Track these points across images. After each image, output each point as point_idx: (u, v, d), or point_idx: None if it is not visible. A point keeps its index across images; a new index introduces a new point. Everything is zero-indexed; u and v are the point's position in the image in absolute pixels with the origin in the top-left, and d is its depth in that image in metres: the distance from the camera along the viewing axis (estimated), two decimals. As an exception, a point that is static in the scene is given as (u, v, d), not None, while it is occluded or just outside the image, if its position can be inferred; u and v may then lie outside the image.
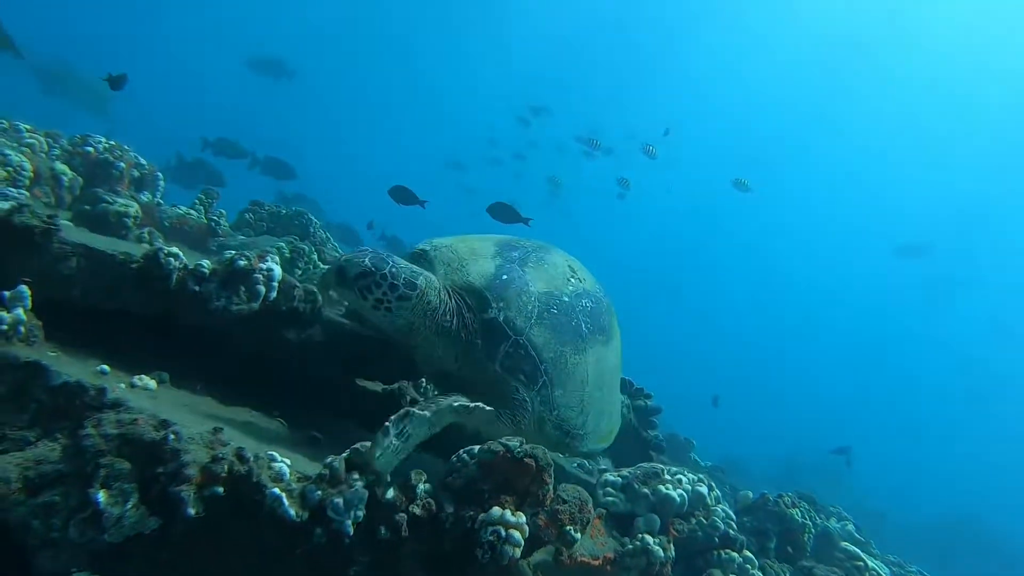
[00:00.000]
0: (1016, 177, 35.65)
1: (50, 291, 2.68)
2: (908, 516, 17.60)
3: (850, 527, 6.63)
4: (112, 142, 5.27)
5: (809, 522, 4.74)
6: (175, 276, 2.88)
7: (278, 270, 3.13)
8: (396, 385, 3.82)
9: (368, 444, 2.49)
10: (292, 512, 2.32)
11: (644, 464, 3.48)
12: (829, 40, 35.34)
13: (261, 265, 3.06)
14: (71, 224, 3.59)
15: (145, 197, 5.55)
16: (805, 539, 4.70)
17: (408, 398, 3.80)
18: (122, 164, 5.19)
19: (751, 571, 3.33)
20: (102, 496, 2.03)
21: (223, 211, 6.30)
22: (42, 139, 5.05)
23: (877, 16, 33.96)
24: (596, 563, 2.91)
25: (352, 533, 2.37)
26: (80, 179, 4.61)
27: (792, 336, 38.33)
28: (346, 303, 3.70)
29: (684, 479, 3.36)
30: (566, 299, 3.52)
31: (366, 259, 3.03)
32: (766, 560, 4.03)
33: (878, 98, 37.53)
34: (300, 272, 5.04)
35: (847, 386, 33.97)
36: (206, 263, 2.97)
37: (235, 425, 2.83)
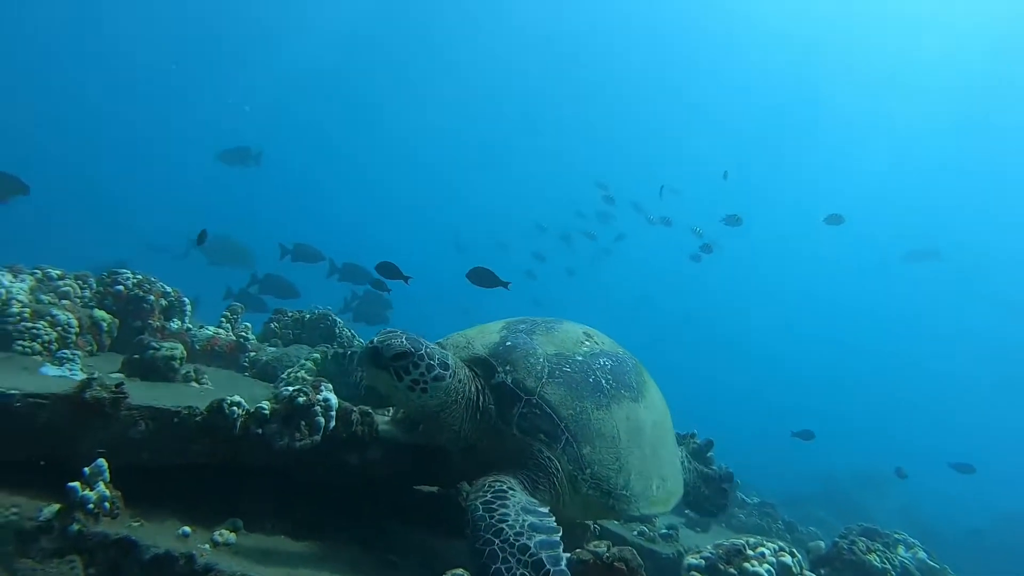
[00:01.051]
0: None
1: (122, 458, 2.71)
2: (961, 521, 17.28)
3: (921, 554, 6.48)
4: (139, 276, 5.36)
5: (888, 566, 4.64)
6: (239, 423, 2.90)
7: (334, 399, 3.16)
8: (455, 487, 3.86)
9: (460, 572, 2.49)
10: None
11: (723, 541, 3.42)
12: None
13: (318, 397, 3.09)
14: (124, 376, 3.64)
15: (175, 324, 5.62)
16: (886, 584, 4.61)
17: (464, 494, 3.84)
18: (151, 297, 5.27)
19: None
20: None
21: (248, 324, 6.37)
22: (73, 283, 5.13)
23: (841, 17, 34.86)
24: (697, 654, 2.85)
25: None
26: (116, 320, 4.67)
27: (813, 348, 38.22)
28: (370, 383, 3.59)
29: (766, 551, 3.31)
30: (579, 358, 3.52)
31: (402, 339, 3.05)
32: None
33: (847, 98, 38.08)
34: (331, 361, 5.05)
35: (876, 391, 33.71)
36: (266, 405, 3.00)
37: (315, 563, 2.82)
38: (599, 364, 3.52)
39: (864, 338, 37.93)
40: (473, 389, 3.26)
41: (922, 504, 19.52)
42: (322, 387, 3.16)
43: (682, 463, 4.28)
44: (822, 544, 4.80)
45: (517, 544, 2.55)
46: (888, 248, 34.44)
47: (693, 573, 3.31)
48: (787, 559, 3.33)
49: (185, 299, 5.80)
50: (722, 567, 3.26)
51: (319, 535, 3.16)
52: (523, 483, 3.05)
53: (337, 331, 6.39)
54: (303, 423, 3.04)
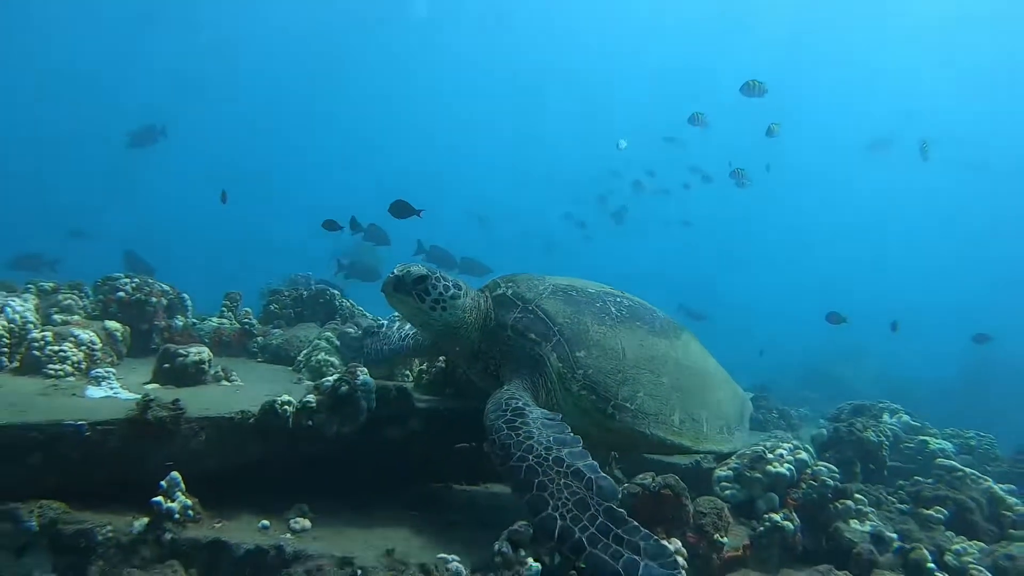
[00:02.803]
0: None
1: (189, 467, 2.86)
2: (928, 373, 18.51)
3: (904, 417, 7.07)
4: (136, 279, 5.38)
5: (882, 438, 5.08)
6: (291, 419, 3.07)
7: (372, 381, 3.34)
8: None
9: (523, 524, 2.71)
10: (482, 603, 2.58)
11: (744, 451, 3.73)
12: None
13: (357, 382, 3.25)
14: (158, 385, 3.76)
15: (179, 321, 5.68)
16: (883, 454, 5.05)
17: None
18: (153, 299, 5.30)
19: (866, 511, 3.63)
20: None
21: (248, 309, 6.44)
22: (72, 295, 5.15)
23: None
24: (739, 553, 3.18)
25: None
26: (127, 328, 4.72)
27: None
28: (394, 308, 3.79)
29: (784, 452, 3.63)
30: (591, 291, 3.81)
31: (419, 267, 3.40)
32: (862, 487, 4.31)
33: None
34: (344, 342, 5.21)
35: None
36: (312, 398, 3.17)
37: (385, 532, 3.05)
38: (612, 300, 3.77)
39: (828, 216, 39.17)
40: (482, 304, 3.57)
41: (894, 367, 20.75)
42: (358, 372, 3.33)
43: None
44: (824, 432, 5.18)
45: (551, 457, 2.71)
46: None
47: (724, 483, 3.63)
48: (803, 455, 3.67)
49: (184, 295, 5.84)
50: (748, 473, 3.58)
51: (379, 506, 3.40)
52: (525, 387, 3.28)
53: (337, 303, 6.50)
54: (348, 408, 3.22)
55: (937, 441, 6.21)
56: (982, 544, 3.58)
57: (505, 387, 3.21)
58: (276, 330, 6.12)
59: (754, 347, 13.29)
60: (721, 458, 3.97)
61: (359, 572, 2.55)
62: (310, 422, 3.13)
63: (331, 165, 42.06)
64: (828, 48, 37.62)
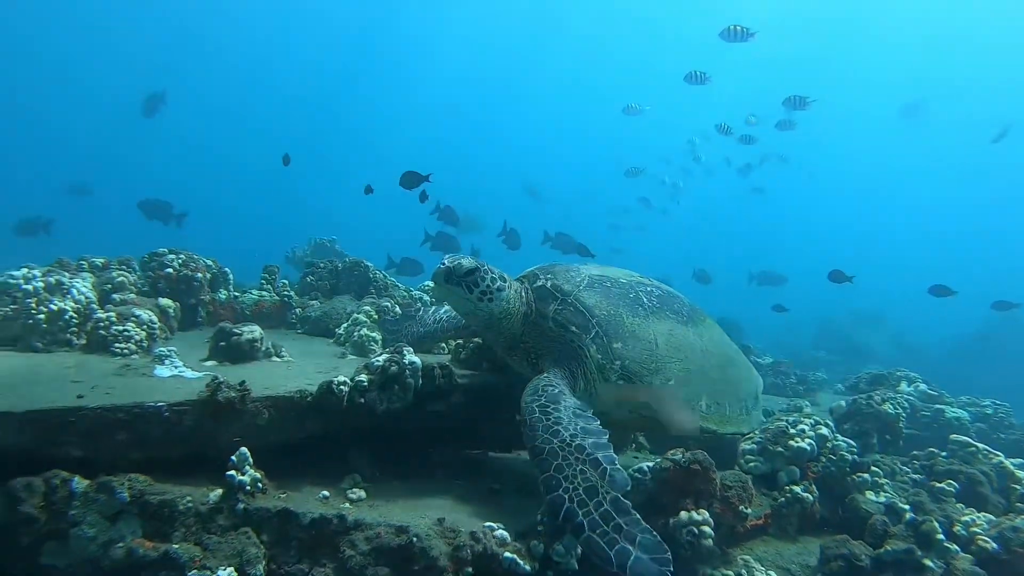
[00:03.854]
0: None
1: (254, 442, 3.13)
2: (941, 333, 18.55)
3: (922, 386, 7.23)
4: (182, 255, 5.62)
5: (899, 410, 5.26)
6: (346, 397, 3.31)
7: (418, 360, 3.56)
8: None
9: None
10: (527, 567, 2.84)
11: (769, 426, 3.95)
12: None
13: (405, 362, 3.48)
14: (217, 363, 4.02)
15: (223, 295, 5.95)
16: (899, 426, 5.24)
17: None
18: (199, 275, 5.56)
19: (881, 482, 3.85)
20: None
21: (285, 281, 6.70)
22: (122, 271, 5.41)
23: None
24: (761, 522, 3.43)
25: (578, 568, 2.88)
26: (177, 304, 4.99)
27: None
28: (442, 299, 4.15)
29: (805, 427, 3.84)
30: (623, 281, 3.99)
31: (468, 259, 3.60)
32: (877, 458, 4.52)
33: None
34: (383, 320, 5.45)
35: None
36: (364, 377, 3.41)
37: (432, 501, 3.32)
38: (643, 289, 3.95)
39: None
40: (523, 295, 3.78)
41: (911, 331, 20.78)
42: (405, 352, 3.56)
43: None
44: (843, 403, 5.37)
45: (573, 444, 2.96)
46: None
47: (748, 456, 3.86)
48: (824, 430, 3.88)
49: (226, 269, 6.10)
50: (771, 448, 3.80)
51: (423, 475, 3.67)
52: (564, 376, 3.51)
53: (371, 275, 6.72)
54: (396, 387, 3.46)
55: (953, 410, 6.39)
56: (991, 516, 3.79)
57: (544, 374, 3.43)
58: (313, 302, 6.38)
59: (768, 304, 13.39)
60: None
61: (415, 539, 2.82)
62: (362, 399, 3.38)
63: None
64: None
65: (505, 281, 3.65)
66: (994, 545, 3.45)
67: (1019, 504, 4.22)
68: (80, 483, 2.70)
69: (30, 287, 3.98)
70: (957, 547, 3.47)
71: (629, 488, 2.89)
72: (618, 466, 2.92)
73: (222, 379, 3.09)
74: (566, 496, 2.79)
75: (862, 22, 37.74)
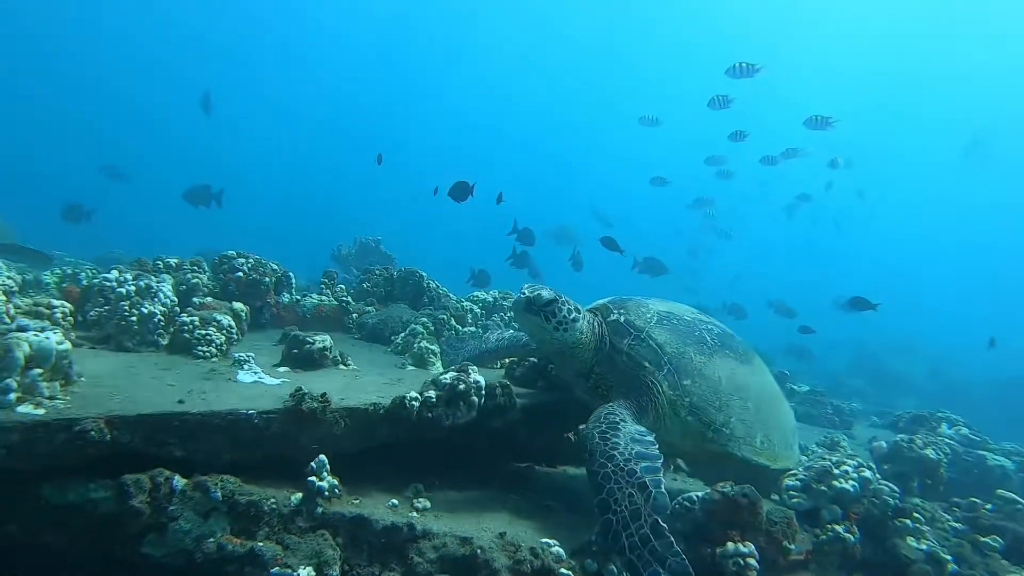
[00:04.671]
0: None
1: (330, 449, 3.37)
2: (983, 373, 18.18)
3: (964, 430, 7.20)
4: (251, 259, 5.93)
5: (940, 455, 5.31)
6: (416, 412, 3.54)
7: (483, 380, 3.77)
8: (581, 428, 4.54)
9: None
10: (581, 586, 3.02)
11: (813, 465, 4.07)
12: None
13: (471, 380, 3.70)
14: (290, 369, 4.29)
15: (286, 298, 6.25)
16: (942, 472, 5.29)
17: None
18: (266, 279, 5.86)
19: (923, 529, 3.94)
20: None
21: (343, 286, 6.99)
22: (196, 272, 5.73)
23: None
24: (803, 558, 3.56)
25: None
26: (248, 308, 5.28)
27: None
28: (521, 327, 4.38)
29: (849, 468, 3.95)
30: (687, 318, 4.19)
31: (547, 290, 3.84)
32: (917, 502, 4.59)
33: None
34: (445, 337, 5.70)
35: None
36: (432, 393, 3.62)
37: (489, 513, 3.53)
38: (705, 327, 4.15)
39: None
40: (595, 328, 4.00)
41: (949, 366, 20.40)
42: (470, 370, 3.77)
43: None
44: (883, 444, 5.45)
45: (626, 468, 3.19)
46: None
47: (791, 492, 3.99)
48: (867, 473, 3.99)
49: (290, 272, 6.40)
50: (815, 486, 3.93)
51: (478, 486, 3.88)
52: (631, 408, 3.71)
53: (425, 284, 6.97)
54: (462, 403, 3.68)
55: (996, 457, 6.36)
56: (1037, 576, 3.85)
57: (611, 403, 3.63)
58: (369, 308, 6.65)
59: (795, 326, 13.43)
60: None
61: (479, 551, 3.03)
62: (430, 415, 3.60)
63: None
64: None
65: (580, 312, 3.87)
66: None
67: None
68: (180, 481, 2.95)
69: (123, 290, 4.29)
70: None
71: (668, 512, 3.11)
72: (663, 490, 3.12)
73: (305, 390, 3.34)
74: (614, 519, 3.04)
75: (921, 63, 37.64)
